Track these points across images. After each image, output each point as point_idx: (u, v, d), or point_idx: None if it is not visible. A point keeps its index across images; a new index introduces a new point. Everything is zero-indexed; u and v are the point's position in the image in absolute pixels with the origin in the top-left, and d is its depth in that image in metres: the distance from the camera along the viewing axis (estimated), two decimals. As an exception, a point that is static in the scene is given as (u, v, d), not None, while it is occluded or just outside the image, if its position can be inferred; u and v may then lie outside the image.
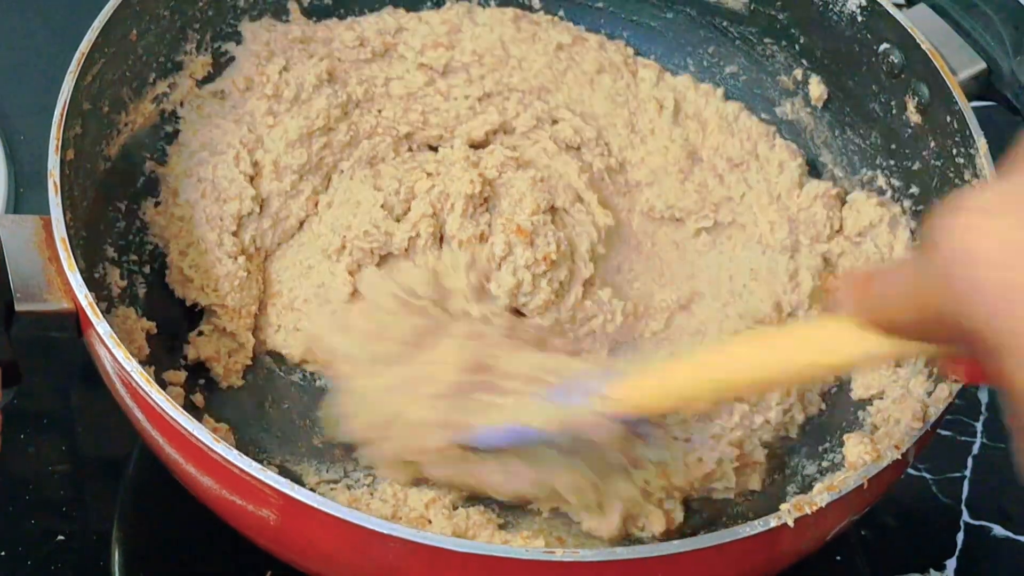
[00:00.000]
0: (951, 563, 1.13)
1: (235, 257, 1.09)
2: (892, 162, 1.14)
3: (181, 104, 1.15)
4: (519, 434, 0.94)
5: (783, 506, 0.85)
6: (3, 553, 1.06)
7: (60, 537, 1.08)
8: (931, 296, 0.62)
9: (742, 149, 1.18)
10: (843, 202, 1.16)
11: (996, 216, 0.59)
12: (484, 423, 0.95)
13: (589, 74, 1.21)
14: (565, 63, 1.22)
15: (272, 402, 1.08)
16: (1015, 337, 0.57)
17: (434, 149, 1.18)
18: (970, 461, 1.19)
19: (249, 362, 1.09)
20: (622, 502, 0.99)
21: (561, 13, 1.26)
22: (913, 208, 1.12)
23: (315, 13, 1.21)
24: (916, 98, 1.10)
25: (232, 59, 1.18)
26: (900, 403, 1.01)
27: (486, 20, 1.23)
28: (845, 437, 0.98)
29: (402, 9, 1.23)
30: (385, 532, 0.80)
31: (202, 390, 1.06)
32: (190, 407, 1.03)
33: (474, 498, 1.02)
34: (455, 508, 1.00)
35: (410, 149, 1.18)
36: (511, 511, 1.02)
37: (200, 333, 1.08)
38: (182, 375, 1.05)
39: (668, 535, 1.01)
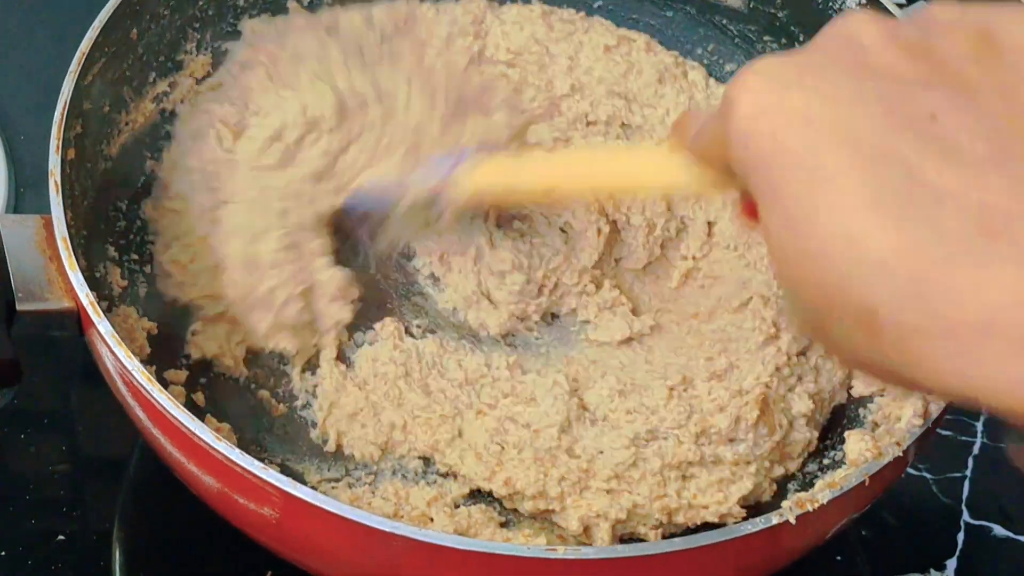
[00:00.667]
0: (951, 563, 1.13)
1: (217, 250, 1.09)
2: (892, 161, 1.14)
3: (181, 102, 1.15)
4: (384, 192, 1.05)
5: (784, 503, 0.84)
6: (3, 553, 1.06)
7: (60, 537, 1.08)
8: (725, 148, 0.68)
9: None
10: None
11: (789, 88, 0.64)
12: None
13: (652, 85, 1.22)
14: (623, 67, 1.22)
15: (273, 401, 1.08)
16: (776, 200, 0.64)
17: None
18: (970, 461, 1.19)
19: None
20: (609, 522, 0.99)
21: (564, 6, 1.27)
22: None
23: (315, 9, 1.22)
24: (916, 97, 1.10)
25: (233, 58, 1.18)
26: (901, 400, 1.01)
27: (514, 18, 1.23)
28: (846, 434, 0.97)
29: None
30: (387, 530, 0.80)
31: (203, 389, 1.06)
32: (191, 406, 1.03)
33: (476, 496, 1.02)
34: (457, 507, 1.00)
35: None
36: (513, 510, 1.02)
37: (194, 333, 1.08)
38: (183, 374, 1.05)
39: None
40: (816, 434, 1.05)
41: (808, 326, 0.65)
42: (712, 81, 1.23)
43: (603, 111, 1.20)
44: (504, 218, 1.14)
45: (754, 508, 1.01)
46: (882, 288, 0.59)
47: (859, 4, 1.13)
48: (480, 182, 1.00)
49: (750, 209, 0.76)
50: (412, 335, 1.11)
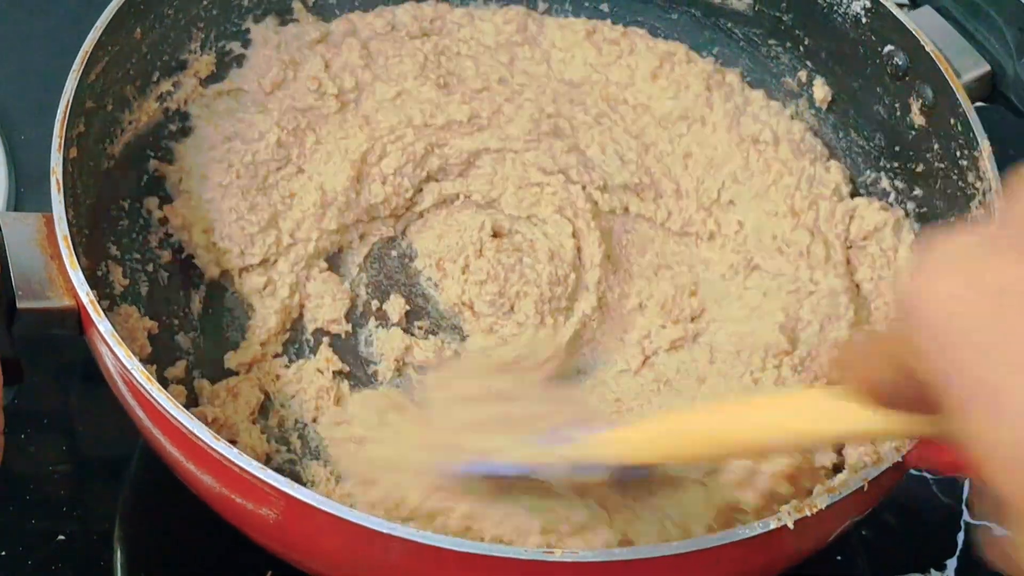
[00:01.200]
0: (951, 563, 1.13)
1: (255, 219, 1.12)
2: (896, 164, 1.14)
3: (185, 102, 1.15)
4: (494, 468, 0.90)
5: (783, 507, 0.84)
6: (3, 553, 1.06)
7: (60, 537, 1.08)
8: (902, 350, 0.61)
9: (811, 181, 1.17)
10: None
11: (957, 265, 0.58)
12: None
13: (702, 95, 1.21)
14: (673, 88, 1.22)
15: (274, 405, 1.08)
16: (971, 396, 0.56)
17: None
18: (970, 461, 1.18)
19: None
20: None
21: (568, 11, 1.27)
22: (917, 211, 1.12)
23: (319, 11, 1.22)
24: (920, 100, 1.10)
25: (237, 57, 1.18)
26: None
27: (561, 42, 1.24)
28: (846, 438, 0.97)
29: (445, 4, 1.25)
30: (386, 532, 0.80)
31: (203, 375, 1.07)
32: (192, 401, 1.03)
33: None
34: None
35: None
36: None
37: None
38: (181, 367, 1.06)
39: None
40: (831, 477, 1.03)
41: None
42: (746, 86, 1.23)
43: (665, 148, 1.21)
44: (501, 229, 1.14)
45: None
46: None
47: (864, 9, 1.13)
48: (613, 446, 0.87)
49: (947, 457, 0.73)
50: (413, 335, 1.12)
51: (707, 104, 1.20)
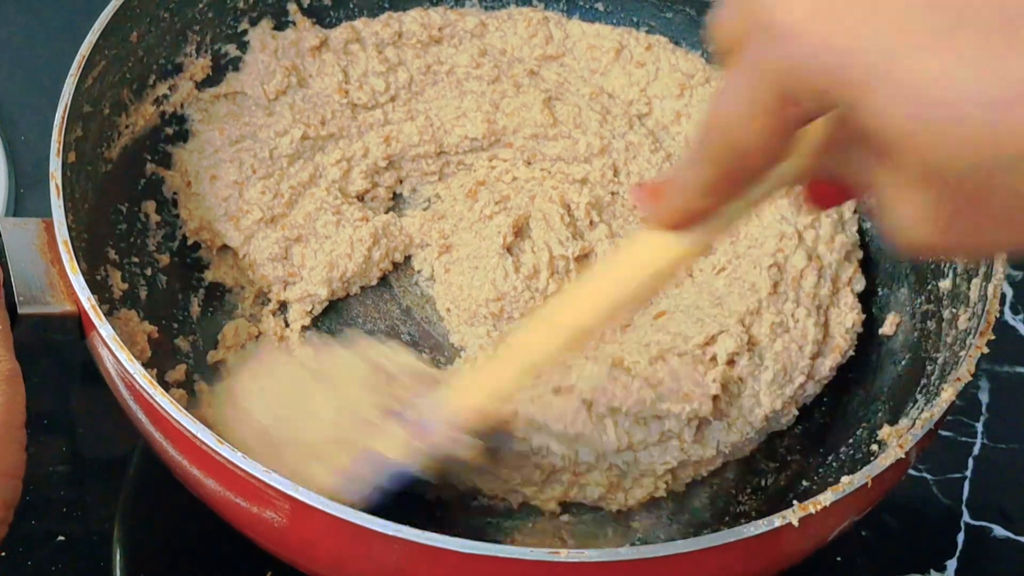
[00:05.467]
0: (951, 563, 1.13)
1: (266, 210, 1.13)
2: (891, 160, 1.14)
3: (181, 106, 1.15)
4: (395, 475, 0.90)
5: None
6: (3, 553, 1.06)
7: (60, 537, 1.08)
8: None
9: None
10: None
11: None
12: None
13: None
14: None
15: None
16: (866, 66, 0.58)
17: None
18: (970, 461, 1.19)
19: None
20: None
21: (563, 11, 1.28)
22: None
23: (315, 14, 1.21)
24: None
25: (233, 60, 1.18)
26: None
27: (586, 66, 1.25)
28: (848, 435, 0.98)
29: (442, 7, 1.25)
30: (390, 533, 0.80)
31: (203, 379, 1.07)
32: (193, 404, 1.03)
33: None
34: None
35: None
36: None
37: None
38: (182, 371, 1.06)
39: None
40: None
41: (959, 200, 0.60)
42: None
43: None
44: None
45: (758, 493, 1.04)
46: None
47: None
48: (476, 396, 0.89)
49: (817, 192, 0.75)
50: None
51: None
